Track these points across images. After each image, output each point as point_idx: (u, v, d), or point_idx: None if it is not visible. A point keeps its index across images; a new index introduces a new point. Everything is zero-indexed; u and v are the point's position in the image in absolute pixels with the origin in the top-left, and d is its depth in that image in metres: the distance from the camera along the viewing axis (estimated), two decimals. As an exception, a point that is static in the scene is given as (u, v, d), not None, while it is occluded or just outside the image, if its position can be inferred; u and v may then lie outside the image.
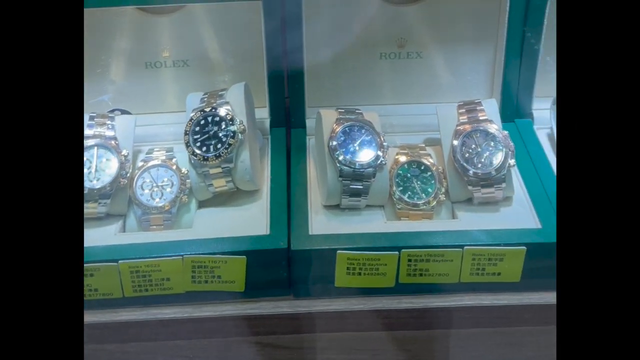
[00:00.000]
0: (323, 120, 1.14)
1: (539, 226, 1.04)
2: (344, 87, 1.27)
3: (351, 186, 1.07)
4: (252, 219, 1.08)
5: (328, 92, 1.27)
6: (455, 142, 1.09)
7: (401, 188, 1.10)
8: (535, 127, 1.25)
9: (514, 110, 1.25)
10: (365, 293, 1.04)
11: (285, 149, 1.21)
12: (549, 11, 1.17)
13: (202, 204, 1.13)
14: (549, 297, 1.02)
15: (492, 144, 1.09)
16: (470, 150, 1.09)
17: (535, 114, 1.26)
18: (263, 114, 1.26)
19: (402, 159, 1.13)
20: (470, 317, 1.02)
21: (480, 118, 1.12)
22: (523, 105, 1.25)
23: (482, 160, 1.08)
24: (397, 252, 1.01)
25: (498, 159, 1.07)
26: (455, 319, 1.01)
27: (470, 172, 1.07)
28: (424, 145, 1.17)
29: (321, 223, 1.07)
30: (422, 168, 1.12)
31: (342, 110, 1.15)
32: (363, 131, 1.11)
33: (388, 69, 1.26)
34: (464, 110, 1.14)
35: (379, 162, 1.08)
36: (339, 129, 1.10)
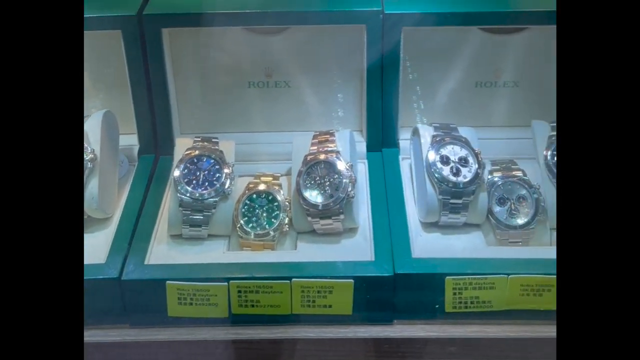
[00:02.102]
0: (176, 149, 1.16)
1: (372, 259, 1.05)
2: (215, 115, 1.29)
3: (191, 217, 1.08)
4: (96, 247, 1.09)
5: (200, 120, 1.29)
6: (301, 172, 1.10)
7: (246, 218, 1.11)
8: (400, 156, 1.25)
9: (380, 140, 1.26)
10: (202, 323, 1.04)
11: (149, 176, 1.22)
12: (404, 45, 1.18)
13: (54, 231, 1.14)
14: (378, 330, 1.02)
15: (335, 175, 1.09)
16: (313, 182, 1.09)
17: (402, 143, 1.26)
18: (134, 140, 1.27)
19: (254, 188, 1.14)
20: (300, 349, 1.02)
21: (329, 149, 1.13)
22: (389, 134, 1.26)
23: (324, 191, 1.08)
24: (226, 283, 1.01)
25: (338, 190, 1.08)
26: (282, 351, 1.01)
27: (308, 203, 1.07)
28: (279, 174, 1.18)
29: (161, 252, 1.08)
30: (270, 198, 1.12)
31: (198, 139, 1.16)
32: (211, 161, 1.12)
33: (257, 97, 1.28)
34: (316, 140, 1.15)
35: (221, 192, 1.09)
36: (186, 158, 1.11)
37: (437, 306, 1.03)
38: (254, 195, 1.13)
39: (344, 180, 1.08)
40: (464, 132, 1.16)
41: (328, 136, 1.15)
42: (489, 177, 1.13)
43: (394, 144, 1.27)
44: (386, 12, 1.16)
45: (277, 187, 1.14)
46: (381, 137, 1.26)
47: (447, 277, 1.01)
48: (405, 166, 1.24)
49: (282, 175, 1.18)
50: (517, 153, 1.21)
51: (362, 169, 1.23)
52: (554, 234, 1.11)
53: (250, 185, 1.14)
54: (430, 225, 1.12)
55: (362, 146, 1.26)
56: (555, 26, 1.16)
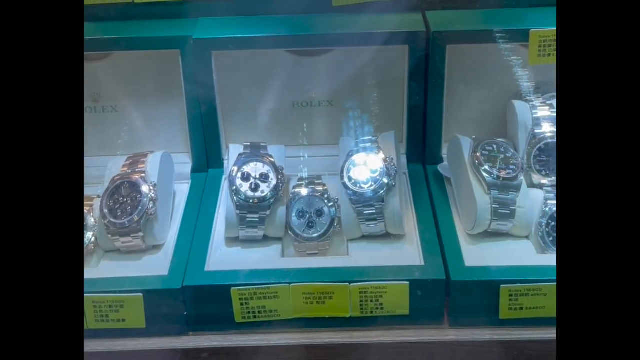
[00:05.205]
0: None
1: (165, 274, 1.08)
2: (47, 141, 1.32)
3: None
4: None
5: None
6: (106, 193, 1.14)
7: (53, 238, 1.14)
8: (224, 176, 1.29)
9: (206, 161, 1.30)
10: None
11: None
12: (217, 68, 1.23)
13: None
14: (167, 342, 1.05)
15: (137, 196, 1.13)
16: (114, 201, 1.13)
17: (227, 163, 1.30)
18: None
19: (66, 209, 1.17)
20: None
21: (137, 169, 1.16)
22: (215, 155, 1.30)
23: (125, 210, 1.12)
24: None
25: (137, 209, 1.11)
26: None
27: (109, 221, 1.11)
28: (95, 196, 1.21)
29: None
30: (79, 218, 1.16)
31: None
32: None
33: (86, 122, 1.31)
34: (130, 161, 1.19)
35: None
36: None
37: (228, 316, 1.06)
38: (64, 216, 1.16)
39: (144, 200, 1.12)
40: (272, 150, 1.21)
41: (140, 157, 1.19)
42: (293, 191, 1.17)
43: (221, 164, 1.31)
44: (195, 37, 1.21)
45: (88, 209, 1.17)
46: (206, 158, 1.31)
47: (233, 287, 1.04)
48: (227, 185, 1.28)
49: (98, 197, 1.22)
50: (333, 169, 1.25)
51: (184, 190, 1.27)
52: (350, 244, 1.15)
53: (66, 206, 1.17)
54: (233, 240, 1.16)
55: (187, 167, 1.31)
56: (359, 47, 1.23)
